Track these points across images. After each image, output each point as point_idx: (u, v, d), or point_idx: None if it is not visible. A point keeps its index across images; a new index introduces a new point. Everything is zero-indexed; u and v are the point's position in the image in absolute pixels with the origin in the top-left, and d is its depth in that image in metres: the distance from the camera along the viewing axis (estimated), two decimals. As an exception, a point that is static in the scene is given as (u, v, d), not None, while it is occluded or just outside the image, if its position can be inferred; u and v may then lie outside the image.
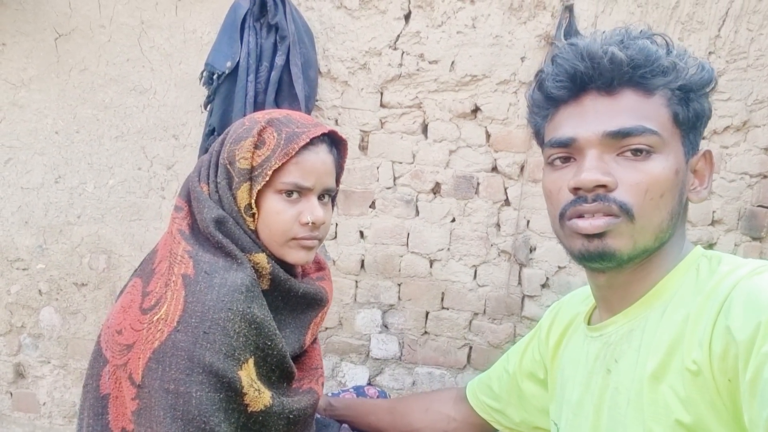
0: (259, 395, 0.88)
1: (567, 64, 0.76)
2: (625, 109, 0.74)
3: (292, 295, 0.99)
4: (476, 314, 2.34)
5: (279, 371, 0.94)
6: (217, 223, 0.93)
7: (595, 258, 0.75)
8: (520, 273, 2.30)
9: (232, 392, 0.84)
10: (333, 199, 1.07)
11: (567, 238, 0.78)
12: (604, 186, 0.72)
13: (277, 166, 0.92)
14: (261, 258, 0.94)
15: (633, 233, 0.73)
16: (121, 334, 0.88)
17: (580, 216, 0.75)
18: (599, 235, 0.73)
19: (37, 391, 2.51)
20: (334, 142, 1.03)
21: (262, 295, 0.92)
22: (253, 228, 0.95)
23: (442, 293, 2.34)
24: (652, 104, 0.74)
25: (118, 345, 0.88)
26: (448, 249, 2.31)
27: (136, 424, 0.83)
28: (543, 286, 2.29)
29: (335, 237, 2.35)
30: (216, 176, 0.96)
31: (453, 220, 2.31)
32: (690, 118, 0.75)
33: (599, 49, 0.74)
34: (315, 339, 1.11)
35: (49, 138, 2.37)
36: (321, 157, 0.97)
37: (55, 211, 2.40)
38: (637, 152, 0.73)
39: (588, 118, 0.75)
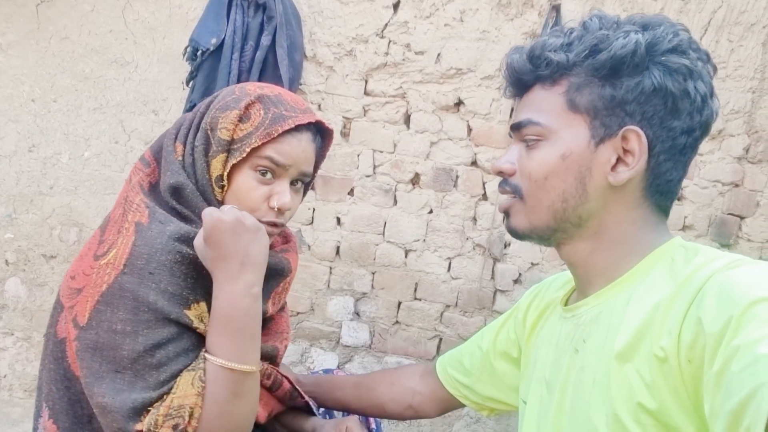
0: None
1: (502, 70, 0.87)
2: (528, 104, 0.83)
3: None
4: (448, 306, 2.35)
5: None
6: (174, 190, 0.93)
7: (509, 232, 0.87)
8: (493, 267, 2.32)
9: (182, 326, 0.86)
10: (306, 186, 1.06)
11: None
12: (503, 172, 0.84)
13: (256, 144, 0.91)
14: None
15: (526, 212, 0.82)
16: (74, 279, 0.89)
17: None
18: (506, 214, 0.86)
19: (-2, 363, 2.46)
20: (320, 130, 1.02)
21: None
22: (220, 199, 0.95)
23: (416, 284, 2.35)
24: (551, 94, 0.79)
25: (70, 289, 0.88)
26: (424, 240, 2.32)
27: (81, 366, 0.83)
28: (515, 281, 2.31)
29: (312, 222, 2.34)
30: (194, 139, 0.94)
31: (430, 212, 2.32)
32: (595, 102, 0.76)
33: (510, 56, 0.85)
34: (283, 307, 1.11)
35: (24, 105, 2.32)
36: (302, 144, 0.96)
37: (27, 180, 2.35)
38: (529, 141, 0.81)
39: (515, 115, 0.86)
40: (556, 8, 2.16)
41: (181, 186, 0.92)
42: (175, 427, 0.80)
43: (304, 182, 1.02)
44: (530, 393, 0.90)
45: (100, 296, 0.83)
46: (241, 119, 0.92)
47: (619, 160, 0.76)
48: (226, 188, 0.94)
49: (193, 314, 0.87)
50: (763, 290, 0.57)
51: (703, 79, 0.75)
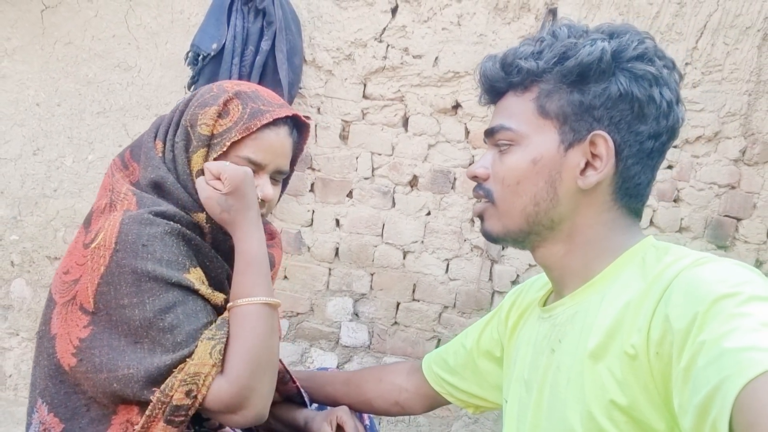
0: (212, 293, 0.94)
1: (477, 78, 0.89)
2: (501, 110, 0.85)
3: (233, 255, 1.02)
4: (446, 307, 2.37)
5: (219, 292, 0.98)
6: (155, 184, 0.97)
7: (484, 236, 0.89)
8: (491, 269, 2.34)
9: (185, 290, 0.89)
10: (285, 181, 1.10)
11: None
12: (478, 176, 0.86)
13: (236, 138, 0.95)
14: (201, 217, 0.97)
15: (499, 216, 0.84)
16: (68, 273, 0.91)
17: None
18: (480, 218, 0.87)
19: (3, 363, 2.50)
20: (297, 125, 1.05)
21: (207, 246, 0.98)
22: None
23: (414, 285, 2.37)
24: (522, 101, 0.81)
25: (65, 284, 0.91)
26: (422, 242, 2.35)
27: (89, 348, 0.86)
28: (513, 282, 2.33)
29: (311, 224, 2.37)
30: (174, 136, 0.98)
31: (428, 214, 2.34)
32: (564, 107, 0.78)
33: (483, 64, 0.86)
34: None
35: (29, 109, 2.37)
36: (280, 138, 1.00)
37: (32, 183, 2.40)
38: (502, 146, 0.83)
39: (490, 121, 0.87)
40: (553, 12, 2.18)
41: (162, 179, 0.96)
42: (188, 393, 0.83)
43: (281, 176, 1.06)
44: (511, 392, 0.93)
45: (100, 278, 0.86)
46: (220, 115, 0.96)
47: (587, 164, 0.78)
48: None
49: (193, 277, 0.91)
50: (727, 287, 0.60)
51: (669, 86, 0.77)
